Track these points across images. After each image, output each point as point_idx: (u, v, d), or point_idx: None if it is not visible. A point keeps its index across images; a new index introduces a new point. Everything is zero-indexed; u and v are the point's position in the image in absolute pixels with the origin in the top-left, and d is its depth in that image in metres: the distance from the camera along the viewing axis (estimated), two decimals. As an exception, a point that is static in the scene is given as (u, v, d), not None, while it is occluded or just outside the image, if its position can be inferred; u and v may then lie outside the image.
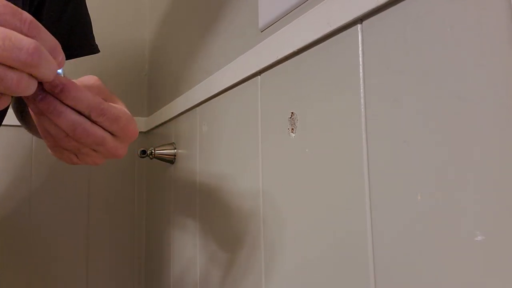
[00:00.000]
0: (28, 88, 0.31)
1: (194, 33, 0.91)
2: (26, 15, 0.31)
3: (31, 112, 0.41)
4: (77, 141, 0.38)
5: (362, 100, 0.42)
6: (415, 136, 0.37)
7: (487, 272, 0.31)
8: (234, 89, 0.68)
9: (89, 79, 0.43)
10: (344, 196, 0.44)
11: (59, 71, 0.35)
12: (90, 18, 0.74)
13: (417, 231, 0.36)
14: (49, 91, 0.35)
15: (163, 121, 1.05)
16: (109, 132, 0.40)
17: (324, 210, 0.47)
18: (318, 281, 0.48)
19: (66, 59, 0.73)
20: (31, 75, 0.31)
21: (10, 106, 0.64)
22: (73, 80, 0.38)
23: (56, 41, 0.34)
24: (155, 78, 1.22)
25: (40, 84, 0.34)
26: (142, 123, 1.24)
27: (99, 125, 0.39)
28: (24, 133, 1.08)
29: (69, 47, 0.71)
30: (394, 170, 0.39)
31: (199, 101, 0.81)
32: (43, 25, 0.63)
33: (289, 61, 0.54)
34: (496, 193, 0.30)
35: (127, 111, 0.42)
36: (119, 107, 0.41)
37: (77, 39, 0.72)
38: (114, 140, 0.40)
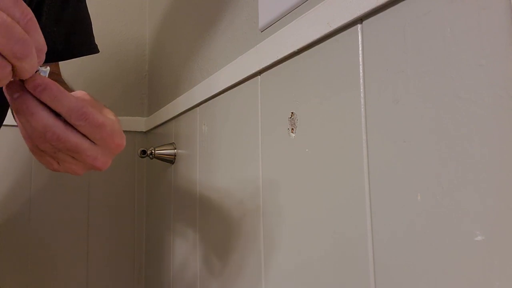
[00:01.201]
0: (5, 78, 0.32)
1: (194, 33, 0.91)
2: (29, 10, 0.32)
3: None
4: (51, 144, 0.37)
5: (362, 100, 0.42)
6: (415, 136, 0.37)
7: (487, 272, 0.31)
8: (234, 89, 0.68)
9: (77, 92, 0.41)
10: (344, 196, 0.44)
11: (44, 72, 0.35)
12: (90, 18, 0.73)
13: (417, 231, 0.36)
14: (30, 90, 0.35)
15: (163, 121, 1.05)
16: (90, 140, 0.38)
17: (324, 210, 0.47)
18: (318, 281, 0.48)
19: (66, 58, 0.73)
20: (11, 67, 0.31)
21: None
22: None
23: (45, 45, 0.34)
24: (155, 78, 1.22)
25: (21, 82, 0.34)
26: (142, 123, 1.24)
27: (79, 131, 0.37)
28: (24, 133, 1.07)
29: (69, 46, 0.71)
30: (394, 170, 0.39)
31: (199, 101, 0.81)
32: (43, 22, 0.63)
33: (289, 61, 0.54)
34: (496, 193, 0.30)
35: (116, 122, 0.40)
36: (107, 116, 0.39)
37: (77, 38, 0.72)
38: (93, 149, 0.38)
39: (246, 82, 0.65)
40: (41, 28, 0.63)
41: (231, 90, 0.70)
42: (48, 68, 0.37)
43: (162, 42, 1.15)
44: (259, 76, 0.61)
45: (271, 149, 0.58)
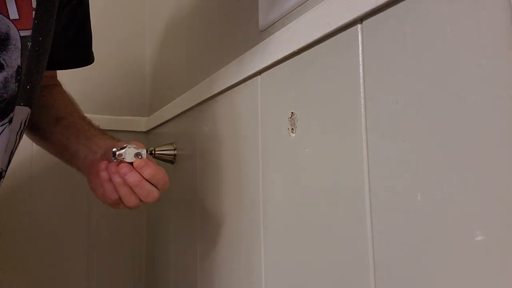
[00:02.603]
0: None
1: (194, 33, 0.91)
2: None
3: (88, 172, 0.63)
4: (132, 190, 0.56)
5: (362, 100, 0.42)
6: (415, 136, 0.37)
7: (487, 272, 0.31)
8: (234, 89, 0.68)
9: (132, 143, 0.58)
10: (344, 196, 0.44)
11: (143, 154, 0.56)
12: (91, 27, 0.75)
13: (417, 231, 0.36)
14: (136, 168, 0.55)
15: (163, 121, 1.05)
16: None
17: (323, 210, 0.47)
18: (318, 281, 0.48)
19: (64, 68, 0.76)
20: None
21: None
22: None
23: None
24: (155, 78, 1.22)
25: (130, 164, 0.55)
26: (142, 123, 1.24)
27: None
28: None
29: (70, 58, 0.73)
30: (394, 170, 0.39)
31: (199, 101, 0.81)
32: (55, 31, 0.64)
33: (289, 61, 0.54)
34: (496, 193, 0.30)
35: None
36: (161, 168, 0.58)
37: (78, 51, 0.74)
38: (156, 191, 0.58)
39: (246, 82, 0.65)
40: (54, 38, 0.64)
41: (231, 90, 0.70)
42: (144, 150, 0.57)
43: (162, 41, 1.15)
44: (259, 76, 0.61)
45: (271, 149, 0.58)
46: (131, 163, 0.55)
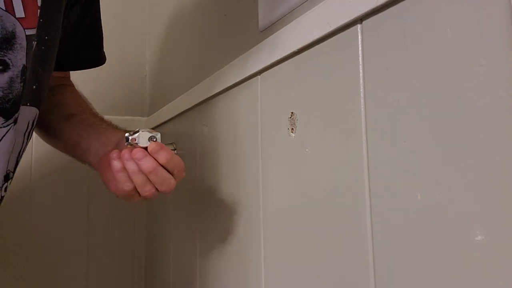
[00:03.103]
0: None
1: (194, 33, 0.91)
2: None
3: (99, 166, 0.61)
4: (147, 178, 0.54)
5: (362, 100, 0.42)
6: (415, 136, 0.37)
7: (487, 272, 0.31)
8: (234, 89, 0.68)
9: None
10: (344, 196, 0.44)
11: (158, 137, 0.54)
12: (102, 27, 0.74)
13: (417, 231, 0.36)
14: (151, 153, 0.53)
15: (163, 121, 1.05)
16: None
17: (323, 210, 0.47)
18: (318, 280, 0.48)
19: (75, 69, 0.75)
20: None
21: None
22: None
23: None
24: (155, 78, 1.22)
25: (145, 148, 0.53)
26: (142, 123, 1.24)
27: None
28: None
29: (80, 58, 0.72)
30: (394, 170, 0.39)
31: (199, 101, 0.81)
32: (63, 31, 0.64)
33: (289, 61, 0.54)
34: (496, 193, 0.30)
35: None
36: (175, 155, 0.57)
37: (88, 51, 0.73)
38: (173, 179, 0.56)
39: (246, 82, 0.65)
40: (61, 38, 0.63)
41: (231, 90, 0.70)
42: (159, 133, 0.54)
43: (162, 41, 1.15)
44: (259, 76, 0.61)
45: (271, 148, 0.58)
46: (145, 148, 0.53)
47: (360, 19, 0.43)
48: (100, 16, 0.73)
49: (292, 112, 0.53)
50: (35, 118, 0.60)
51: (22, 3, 0.51)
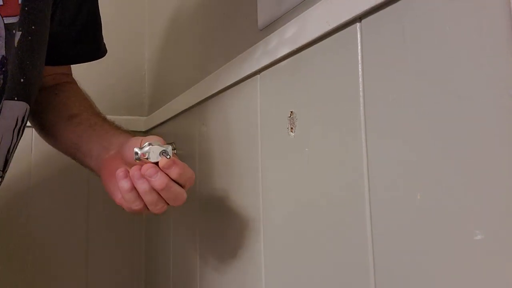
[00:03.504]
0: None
1: (194, 32, 0.91)
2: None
3: (101, 173, 0.59)
4: (159, 195, 0.51)
5: (361, 99, 0.42)
6: (415, 135, 0.36)
7: (487, 272, 0.31)
8: (233, 88, 0.68)
9: (152, 137, 0.53)
10: (344, 196, 0.44)
11: (170, 151, 0.50)
12: (101, 20, 0.71)
13: (417, 231, 0.36)
14: (163, 169, 0.49)
15: (162, 120, 1.05)
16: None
17: (323, 210, 0.47)
18: (318, 280, 0.48)
19: (75, 63, 0.72)
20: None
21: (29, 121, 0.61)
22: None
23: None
24: (154, 78, 1.22)
25: (156, 164, 0.49)
26: (142, 123, 1.24)
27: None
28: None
29: (79, 52, 0.70)
30: (394, 170, 0.38)
31: (199, 100, 0.81)
32: (56, 25, 0.62)
33: (288, 60, 0.54)
34: (496, 193, 0.30)
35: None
36: (187, 167, 0.53)
37: (87, 44, 0.70)
38: (184, 192, 0.53)
39: (245, 81, 0.65)
40: (54, 32, 0.61)
41: (230, 89, 0.69)
42: (170, 146, 0.50)
43: (161, 40, 1.15)
44: (258, 75, 0.61)
45: (270, 148, 0.58)
46: (156, 163, 0.49)
47: (359, 18, 0.43)
48: (98, 6, 0.70)
49: (291, 111, 0.53)
50: (25, 113, 0.57)
51: None
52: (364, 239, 0.41)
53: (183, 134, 0.92)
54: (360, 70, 0.42)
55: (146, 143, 0.49)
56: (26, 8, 0.52)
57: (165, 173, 0.49)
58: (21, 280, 1.08)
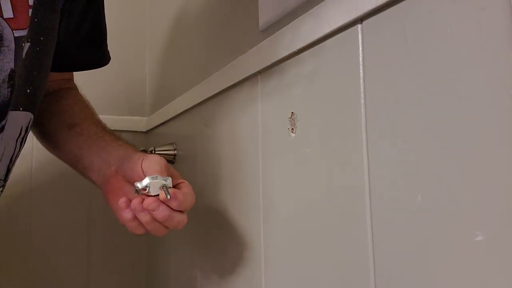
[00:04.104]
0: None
1: (194, 33, 0.91)
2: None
3: (104, 191, 0.59)
4: (160, 223, 0.52)
5: (362, 100, 0.42)
6: (415, 136, 0.37)
7: (487, 272, 0.31)
8: (234, 89, 0.68)
9: (154, 157, 0.54)
10: (344, 196, 0.44)
11: (169, 182, 0.51)
12: (106, 27, 0.71)
13: (417, 231, 0.36)
14: (163, 201, 0.50)
15: (163, 121, 1.05)
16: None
17: (323, 210, 0.47)
18: (318, 280, 0.48)
19: (79, 70, 0.72)
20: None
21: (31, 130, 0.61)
22: (146, 158, 0.54)
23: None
24: (155, 78, 1.22)
25: (156, 196, 0.50)
26: (142, 123, 1.24)
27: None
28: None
29: (83, 59, 0.70)
30: (394, 170, 0.39)
31: (199, 101, 0.81)
32: (60, 34, 0.62)
33: (289, 61, 0.54)
34: (496, 193, 0.30)
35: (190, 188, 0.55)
36: (190, 190, 0.54)
37: (91, 52, 0.70)
38: (184, 217, 0.54)
39: (246, 82, 0.65)
40: (60, 39, 0.61)
41: (231, 90, 0.70)
42: (169, 178, 0.51)
43: (162, 41, 1.15)
44: (259, 76, 0.61)
45: (271, 149, 0.58)
46: (157, 195, 0.50)
47: (360, 19, 0.43)
48: (103, 13, 0.69)
49: (292, 112, 0.53)
50: (29, 123, 0.57)
51: (11, 2, 0.48)
52: (364, 240, 0.41)
53: (184, 135, 0.92)
54: (361, 71, 0.43)
55: (146, 178, 0.50)
56: (35, 20, 0.52)
57: (167, 205, 0.51)
58: (22, 283, 1.08)
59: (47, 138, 0.68)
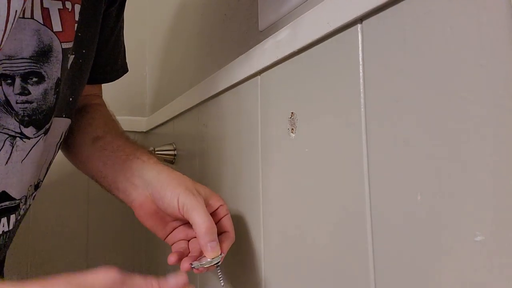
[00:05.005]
0: None
1: (194, 33, 0.91)
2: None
3: (138, 215, 0.60)
4: None
5: (362, 100, 0.42)
6: (415, 136, 0.37)
7: (487, 272, 0.31)
8: (234, 89, 0.68)
9: (201, 205, 0.55)
10: (344, 196, 0.44)
11: (220, 261, 0.54)
12: (124, 40, 0.74)
13: (417, 231, 0.36)
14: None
15: (163, 121, 1.05)
16: None
17: (324, 210, 0.47)
18: (318, 280, 0.48)
19: (99, 83, 0.74)
20: None
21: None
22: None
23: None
24: (155, 78, 1.22)
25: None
26: (142, 123, 1.24)
27: None
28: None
29: (104, 72, 0.72)
30: (394, 170, 0.39)
31: (199, 101, 0.81)
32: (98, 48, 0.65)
33: (289, 61, 0.54)
34: (496, 193, 0.30)
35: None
36: (231, 234, 0.59)
37: (112, 66, 0.73)
38: None
39: (246, 82, 0.65)
40: (95, 55, 0.65)
41: (231, 90, 0.70)
42: (222, 256, 0.55)
43: (162, 41, 1.15)
44: (259, 76, 0.61)
45: (271, 149, 0.58)
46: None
47: (360, 19, 0.43)
48: (123, 29, 0.73)
49: (292, 112, 0.53)
50: (67, 128, 0.61)
51: (60, 17, 0.52)
52: (364, 239, 0.41)
53: (184, 135, 0.92)
54: (361, 71, 0.43)
55: (204, 261, 0.54)
56: (79, 34, 0.56)
57: None
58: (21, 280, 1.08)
59: (73, 152, 0.69)
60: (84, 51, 0.58)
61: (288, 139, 0.54)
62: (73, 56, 0.56)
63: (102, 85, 0.78)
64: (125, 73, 0.77)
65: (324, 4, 0.46)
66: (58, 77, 0.54)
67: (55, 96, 0.54)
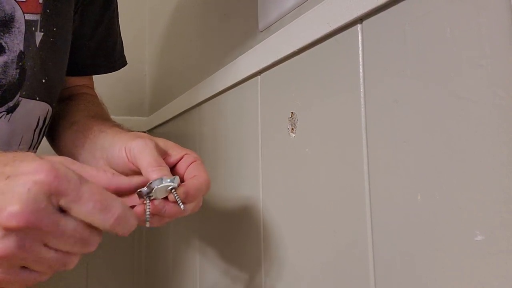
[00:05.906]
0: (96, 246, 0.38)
1: (194, 33, 0.91)
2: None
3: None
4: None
5: (362, 100, 0.42)
6: (415, 136, 0.37)
7: (487, 272, 0.31)
8: (234, 89, 0.68)
9: (147, 145, 0.46)
10: (344, 196, 0.44)
11: (176, 183, 0.42)
12: (120, 30, 0.71)
13: (417, 231, 0.36)
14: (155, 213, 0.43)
15: (163, 121, 1.05)
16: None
17: (324, 210, 0.47)
18: (318, 280, 0.48)
19: (90, 74, 0.71)
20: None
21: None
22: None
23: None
24: (155, 78, 1.22)
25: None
26: (142, 123, 1.24)
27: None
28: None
29: (95, 63, 0.70)
30: (394, 170, 0.39)
31: (199, 101, 0.81)
32: (80, 35, 0.61)
33: (289, 61, 0.54)
34: (495, 193, 0.30)
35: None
36: (201, 173, 0.46)
37: (103, 56, 0.71)
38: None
39: (246, 82, 0.65)
40: (74, 42, 0.60)
41: (231, 90, 0.70)
42: (177, 178, 0.42)
43: (161, 41, 1.16)
44: (259, 76, 0.61)
45: (271, 149, 0.58)
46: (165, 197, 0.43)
47: (360, 19, 0.43)
48: (117, 16, 0.70)
49: (292, 112, 0.53)
50: (47, 114, 0.57)
51: None
52: (364, 239, 0.41)
53: (184, 135, 0.92)
54: (361, 71, 0.43)
55: (151, 184, 0.42)
56: (47, 10, 0.54)
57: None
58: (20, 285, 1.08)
59: (54, 140, 0.67)
60: (55, 29, 0.55)
61: (288, 139, 0.54)
62: (42, 33, 0.53)
63: (102, 85, 0.78)
64: (123, 66, 0.73)
65: (324, 4, 0.46)
66: (21, 50, 0.51)
67: (17, 71, 0.51)
